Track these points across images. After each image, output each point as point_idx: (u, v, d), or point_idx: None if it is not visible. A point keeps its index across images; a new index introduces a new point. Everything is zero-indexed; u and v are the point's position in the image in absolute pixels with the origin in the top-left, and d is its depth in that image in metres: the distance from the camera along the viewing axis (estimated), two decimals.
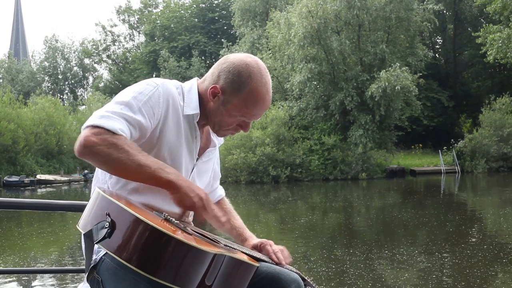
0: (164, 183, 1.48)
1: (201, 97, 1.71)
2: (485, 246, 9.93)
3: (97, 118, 1.48)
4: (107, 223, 1.36)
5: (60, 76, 62.34)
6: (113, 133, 1.46)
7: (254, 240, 1.90)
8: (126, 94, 1.59)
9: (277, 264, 1.77)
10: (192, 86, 1.72)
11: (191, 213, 1.81)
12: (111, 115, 1.50)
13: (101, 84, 62.18)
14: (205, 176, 1.85)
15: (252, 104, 1.66)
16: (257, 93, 1.64)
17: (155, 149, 1.63)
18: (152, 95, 1.59)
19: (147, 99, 1.58)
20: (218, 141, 1.86)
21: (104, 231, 1.35)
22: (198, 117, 1.69)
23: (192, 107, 1.68)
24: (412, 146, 36.94)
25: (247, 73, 1.64)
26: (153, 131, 1.61)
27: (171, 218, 1.52)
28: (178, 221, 1.54)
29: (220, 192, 2.04)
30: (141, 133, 1.57)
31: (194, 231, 1.55)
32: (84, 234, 1.45)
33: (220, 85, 1.66)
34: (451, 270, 8.40)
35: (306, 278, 1.78)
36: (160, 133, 1.62)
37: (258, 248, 1.85)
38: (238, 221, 1.98)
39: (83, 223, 1.45)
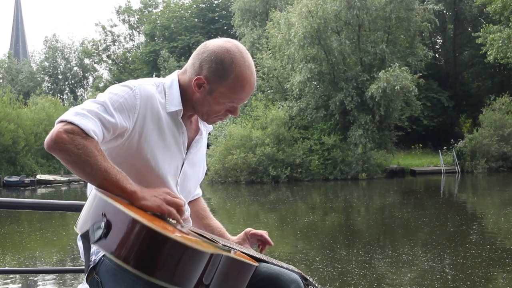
0: (128, 193, 1.46)
1: (184, 89, 1.69)
2: (488, 246, 9.91)
3: (72, 114, 1.47)
4: (103, 224, 1.34)
5: (60, 76, 62.34)
6: (85, 134, 1.44)
7: (237, 236, 1.92)
8: (103, 95, 1.58)
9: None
10: (173, 81, 1.71)
11: (189, 212, 1.81)
12: (87, 114, 1.48)
13: (101, 84, 62.10)
14: (197, 167, 1.83)
15: (240, 89, 1.64)
16: (243, 77, 1.63)
17: (137, 152, 1.62)
18: (128, 97, 1.58)
19: (123, 101, 1.56)
20: (206, 128, 1.84)
21: (100, 231, 1.34)
22: (182, 113, 1.68)
23: (175, 104, 1.67)
24: (412, 146, 36.93)
25: (229, 59, 1.62)
26: (131, 135, 1.59)
27: (168, 218, 1.51)
28: (175, 221, 1.54)
29: (198, 190, 2.00)
30: (114, 135, 1.56)
31: (192, 231, 1.55)
32: (81, 235, 1.43)
33: (204, 75, 1.64)
34: (454, 270, 8.39)
35: (308, 278, 1.77)
36: (139, 136, 1.61)
37: (247, 237, 1.89)
38: (216, 221, 1.98)
39: (80, 223, 1.44)
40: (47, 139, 1.44)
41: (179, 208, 1.51)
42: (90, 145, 1.44)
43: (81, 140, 1.43)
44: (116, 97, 1.57)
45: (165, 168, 1.67)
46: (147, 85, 1.65)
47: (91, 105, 1.53)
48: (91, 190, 1.51)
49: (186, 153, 1.75)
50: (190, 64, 1.70)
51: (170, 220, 1.51)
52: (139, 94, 1.60)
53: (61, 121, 1.46)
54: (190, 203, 1.92)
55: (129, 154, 1.62)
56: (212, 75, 1.63)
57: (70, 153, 1.42)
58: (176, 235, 1.35)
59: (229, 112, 1.72)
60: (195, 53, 1.69)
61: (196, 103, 1.69)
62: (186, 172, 1.76)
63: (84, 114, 1.48)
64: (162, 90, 1.68)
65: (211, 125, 1.85)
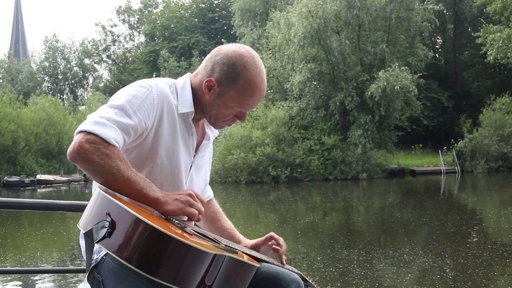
0: (151, 200, 1.47)
1: (195, 92, 1.70)
2: (488, 246, 9.92)
3: (92, 124, 1.47)
4: (107, 223, 1.35)
5: (60, 76, 62.35)
6: (107, 143, 1.45)
7: (249, 241, 1.89)
8: (120, 97, 1.58)
9: (278, 257, 1.78)
10: (185, 82, 1.71)
11: None
12: (106, 122, 1.48)
13: (101, 84, 62.15)
14: (202, 171, 1.85)
15: (249, 94, 1.65)
16: (253, 83, 1.64)
17: (151, 151, 1.62)
18: (146, 97, 1.58)
19: (141, 102, 1.57)
20: (212, 133, 1.85)
21: (104, 230, 1.35)
22: (193, 115, 1.69)
23: (187, 105, 1.67)
24: (412, 146, 36.94)
25: (241, 63, 1.63)
26: (148, 133, 1.60)
27: (171, 218, 1.51)
28: (179, 221, 1.54)
29: (209, 193, 2.01)
30: (135, 136, 1.57)
31: (195, 231, 1.55)
32: (84, 234, 1.44)
33: (215, 78, 1.65)
34: (455, 270, 8.38)
35: (307, 279, 1.77)
36: (155, 135, 1.61)
37: (260, 245, 1.85)
38: (228, 222, 1.97)
39: (84, 222, 1.45)
40: (69, 150, 1.45)
41: (198, 213, 1.54)
42: (112, 154, 1.45)
43: (104, 150, 1.44)
44: (134, 99, 1.57)
45: (177, 169, 1.68)
46: (163, 84, 1.66)
47: (108, 112, 1.53)
48: (95, 189, 1.51)
49: (194, 156, 1.76)
50: (202, 66, 1.71)
51: (174, 220, 1.51)
52: (156, 93, 1.61)
53: (81, 131, 1.46)
54: None
55: (143, 153, 1.63)
56: (223, 78, 1.64)
57: (93, 163, 1.43)
58: (180, 235, 1.35)
59: (237, 117, 1.73)
60: (208, 56, 1.71)
61: (205, 106, 1.69)
62: (192, 175, 1.77)
63: (103, 123, 1.48)
64: (174, 91, 1.69)
65: (217, 131, 1.86)
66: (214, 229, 1.94)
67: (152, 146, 1.62)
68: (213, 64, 1.66)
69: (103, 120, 1.49)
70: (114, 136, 1.48)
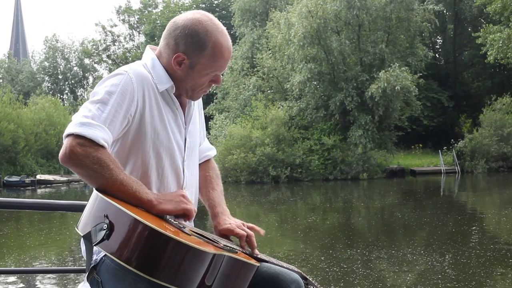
0: (145, 202, 1.49)
1: (166, 70, 1.69)
2: (490, 246, 9.91)
3: (78, 126, 1.47)
4: (105, 225, 1.35)
5: (60, 76, 62.32)
6: (96, 144, 1.45)
7: (223, 220, 1.76)
8: (99, 90, 1.57)
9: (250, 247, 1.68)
10: (153, 60, 1.69)
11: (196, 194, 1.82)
12: (91, 122, 1.48)
13: None
14: (196, 134, 1.83)
15: (220, 55, 1.65)
16: (220, 43, 1.65)
17: (140, 134, 1.61)
18: (125, 83, 1.57)
19: (121, 89, 1.56)
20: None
21: (103, 233, 1.35)
22: (174, 88, 1.68)
23: (164, 81, 1.66)
24: (412, 146, 36.93)
25: (203, 29, 1.63)
26: (133, 117, 1.59)
27: (169, 219, 1.51)
28: (177, 222, 1.54)
29: (208, 152, 1.97)
30: (121, 126, 1.56)
31: (193, 232, 1.54)
32: (83, 236, 1.44)
33: (182, 51, 1.64)
34: (457, 270, 8.38)
35: (307, 277, 1.76)
36: (141, 117, 1.60)
37: (227, 235, 1.73)
38: (215, 192, 1.88)
39: (82, 224, 1.44)
40: (61, 154, 1.46)
41: (189, 214, 1.58)
42: (103, 157, 1.45)
43: (95, 153, 1.44)
44: (113, 88, 1.56)
45: (169, 148, 1.67)
46: (138, 66, 1.65)
47: (91, 109, 1.52)
48: (93, 190, 1.50)
49: (185, 127, 1.75)
50: (163, 45, 1.69)
51: (172, 221, 1.50)
52: (134, 77, 1.59)
53: (69, 135, 1.46)
54: (199, 166, 1.89)
55: (133, 138, 1.62)
56: (190, 49, 1.63)
57: (85, 167, 1.44)
58: (179, 236, 1.35)
59: (213, 82, 1.71)
60: (166, 33, 1.68)
61: (179, 81, 1.69)
62: (189, 146, 1.76)
63: (89, 123, 1.48)
64: (149, 71, 1.67)
65: None
66: (200, 197, 1.90)
67: (140, 129, 1.61)
68: (175, 39, 1.65)
69: (88, 120, 1.48)
70: (102, 135, 1.47)
